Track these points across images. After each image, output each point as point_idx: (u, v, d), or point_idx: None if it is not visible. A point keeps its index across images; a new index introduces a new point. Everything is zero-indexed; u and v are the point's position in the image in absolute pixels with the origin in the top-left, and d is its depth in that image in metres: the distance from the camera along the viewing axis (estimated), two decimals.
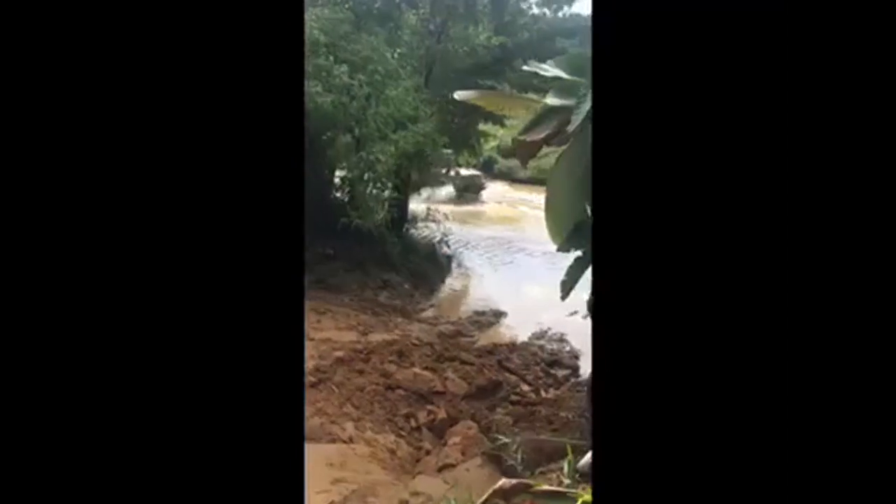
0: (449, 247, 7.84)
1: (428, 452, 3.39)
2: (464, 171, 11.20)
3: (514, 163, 12.68)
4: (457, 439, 3.34)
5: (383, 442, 3.35)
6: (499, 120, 8.68)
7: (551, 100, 2.71)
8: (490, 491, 1.71)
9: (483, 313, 6.54)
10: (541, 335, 5.98)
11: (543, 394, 4.60)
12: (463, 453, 3.15)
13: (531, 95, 2.88)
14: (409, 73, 6.37)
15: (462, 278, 7.73)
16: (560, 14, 9.37)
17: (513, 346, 5.51)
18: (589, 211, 2.63)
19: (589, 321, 5.99)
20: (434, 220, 7.70)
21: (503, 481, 1.72)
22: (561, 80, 2.58)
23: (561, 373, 5.23)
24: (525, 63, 8.07)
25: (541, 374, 5.07)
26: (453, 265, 7.86)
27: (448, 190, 10.89)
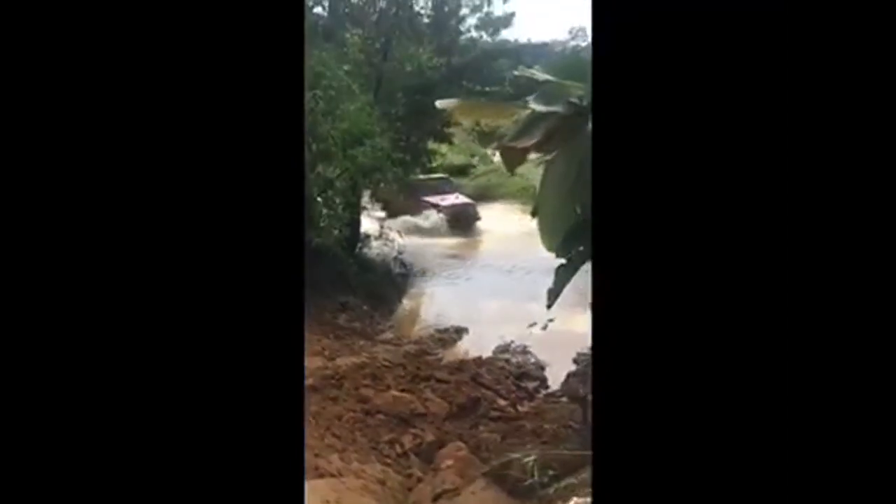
0: (404, 265, 7.69)
1: (419, 479, 3.20)
2: (453, 199, 10.03)
3: (458, 181, 12.80)
4: (449, 462, 3.18)
5: (371, 472, 3.13)
6: (445, 138, 8.73)
7: (538, 106, 2.70)
8: None
9: (445, 330, 6.44)
10: (504, 349, 5.97)
11: (520, 407, 4.54)
12: (461, 476, 3.00)
13: (515, 103, 2.87)
14: (360, 89, 6.25)
15: (418, 296, 7.59)
16: (492, 38, 9.70)
17: (480, 362, 5.43)
18: (578, 210, 2.61)
19: (548, 332, 6.07)
20: (388, 239, 7.54)
21: (576, 501, 1.61)
22: (550, 83, 2.59)
23: (531, 385, 5.21)
24: (469, 83, 8.26)
25: (512, 387, 5.02)
26: (408, 283, 7.71)
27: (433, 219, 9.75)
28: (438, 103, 3.01)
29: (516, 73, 2.67)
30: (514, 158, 2.85)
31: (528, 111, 2.76)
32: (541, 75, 2.59)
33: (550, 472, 2.36)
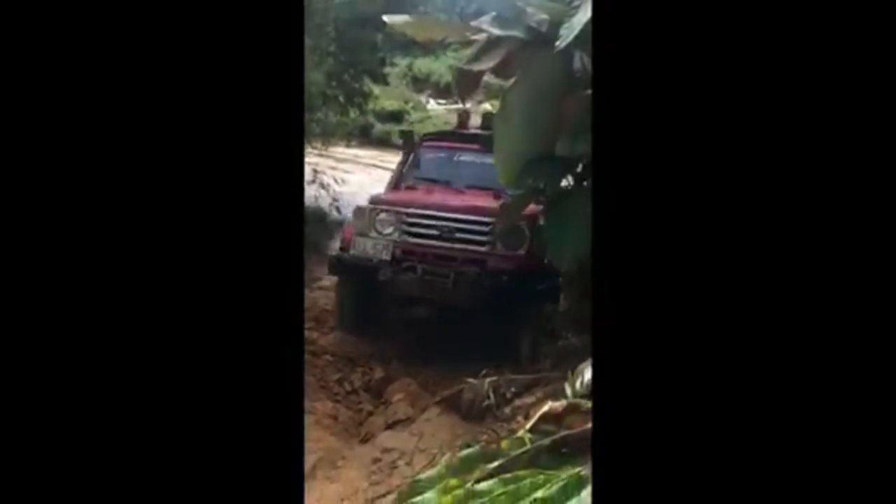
0: (339, 212, 7.43)
1: (370, 413, 3.22)
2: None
3: (391, 126, 12.40)
4: (400, 395, 3.21)
5: (323, 409, 3.10)
6: (382, 78, 8.35)
7: (494, 29, 2.62)
8: (538, 416, 1.64)
9: None
10: None
11: None
12: (412, 407, 3.04)
13: (470, 24, 2.75)
14: None
15: None
16: None
17: None
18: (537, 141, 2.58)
19: None
20: (322, 184, 7.22)
21: (551, 405, 1.66)
22: (507, 6, 2.50)
23: None
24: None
25: None
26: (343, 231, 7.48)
27: None
28: (386, 18, 2.83)
29: None
30: (468, 83, 2.77)
31: (484, 34, 2.66)
32: None
33: (503, 393, 2.44)
